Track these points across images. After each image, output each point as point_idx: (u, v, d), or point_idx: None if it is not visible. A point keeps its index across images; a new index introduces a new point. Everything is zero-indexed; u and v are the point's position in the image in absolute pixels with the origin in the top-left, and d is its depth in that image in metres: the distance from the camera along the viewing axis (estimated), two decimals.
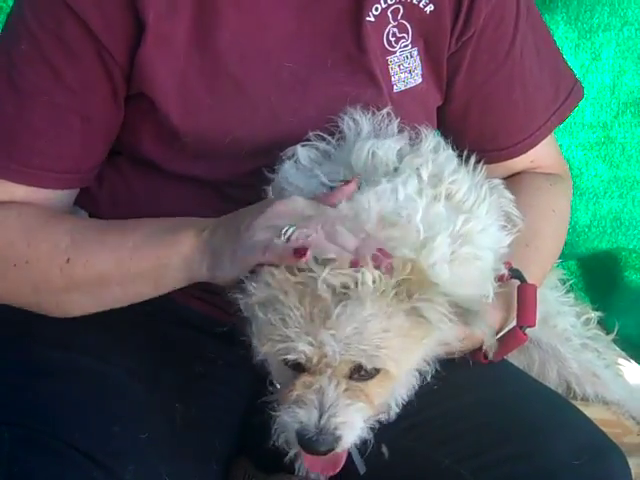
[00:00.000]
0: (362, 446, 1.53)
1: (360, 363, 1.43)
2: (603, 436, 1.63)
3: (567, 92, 1.86)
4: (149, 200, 1.72)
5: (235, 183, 1.67)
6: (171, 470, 1.52)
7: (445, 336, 1.50)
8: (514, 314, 1.65)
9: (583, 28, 2.33)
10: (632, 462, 1.95)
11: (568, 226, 1.90)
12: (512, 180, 1.84)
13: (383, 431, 1.60)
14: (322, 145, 1.60)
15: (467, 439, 1.61)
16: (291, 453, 1.63)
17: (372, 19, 1.66)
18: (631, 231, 2.46)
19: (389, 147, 1.55)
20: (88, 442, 1.48)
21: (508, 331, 1.65)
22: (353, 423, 1.46)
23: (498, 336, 1.66)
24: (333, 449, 1.45)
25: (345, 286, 1.39)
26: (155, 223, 1.61)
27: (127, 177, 1.72)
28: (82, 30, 1.56)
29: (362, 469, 1.58)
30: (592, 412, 2.00)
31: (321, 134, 1.61)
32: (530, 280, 1.66)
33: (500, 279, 1.60)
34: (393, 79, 1.69)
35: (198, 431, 1.63)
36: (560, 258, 2.04)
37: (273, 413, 1.52)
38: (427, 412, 1.65)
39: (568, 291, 2.14)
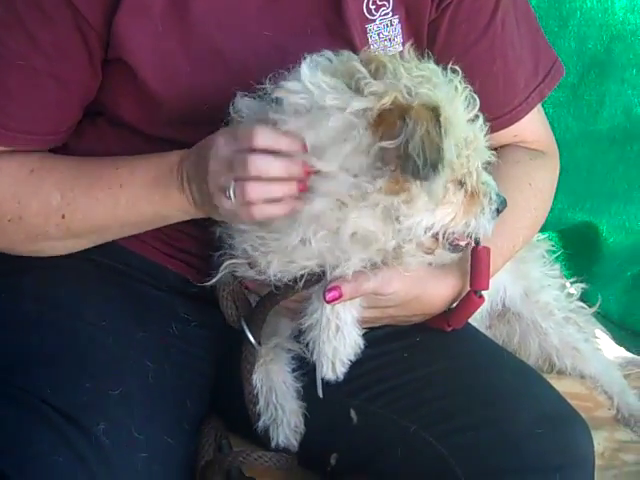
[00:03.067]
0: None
1: None
2: (567, 406, 1.65)
3: (547, 69, 1.86)
4: None
5: None
6: (142, 427, 1.54)
7: None
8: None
9: None
10: (602, 436, 2.02)
11: (549, 202, 1.90)
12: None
13: (352, 397, 1.63)
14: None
15: (434, 406, 1.63)
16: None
17: None
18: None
19: None
20: (60, 397, 1.51)
21: (463, 296, 1.66)
22: None
23: (454, 304, 1.67)
24: None
25: None
26: (138, 177, 1.62)
27: (106, 137, 1.74)
28: None
29: (320, 394, 1.62)
30: (565, 385, 2.05)
31: None
32: (494, 252, 1.66)
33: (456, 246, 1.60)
34: (372, 47, 1.69)
35: (170, 390, 1.65)
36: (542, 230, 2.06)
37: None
38: (396, 380, 1.68)
39: (553, 263, 2.16)
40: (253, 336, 1.63)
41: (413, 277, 1.59)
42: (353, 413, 1.67)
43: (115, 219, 1.65)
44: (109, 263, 1.75)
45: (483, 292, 1.66)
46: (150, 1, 1.60)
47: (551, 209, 1.94)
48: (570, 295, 2.18)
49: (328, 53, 1.53)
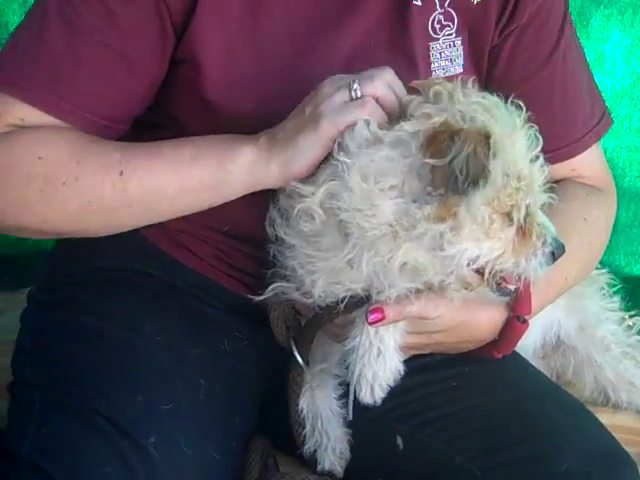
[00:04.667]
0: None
1: None
2: (616, 444, 1.63)
3: (601, 113, 1.86)
4: None
5: None
6: (191, 442, 1.57)
7: None
8: None
9: (637, 37, 2.36)
10: None
11: (605, 239, 1.89)
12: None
13: (399, 423, 1.64)
14: None
15: (481, 438, 1.63)
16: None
17: (419, 3, 1.67)
18: None
19: None
20: (113, 409, 1.55)
21: (507, 323, 1.64)
22: None
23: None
24: None
25: None
26: (208, 137, 1.61)
27: None
28: None
29: (350, 416, 1.64)
30: (620, 419, 2.03)
31: None
32: (545, 281, 1.62)
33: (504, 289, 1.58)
34: (433, 65, 1.70)
35: (220, 407, 1.68)
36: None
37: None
38: (444, 409, 1.69)
39: (612, 296, 2.13)
40: (301, 357, 1.65)
41: (459, 302, 1.57)
42: (399, 440, 1.69)
43: (174, 179, 1.58)
44: (167, 279, 1.78)
45: (532, 319, 1.64)
46: (228, 3, 1.61)
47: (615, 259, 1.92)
48: (629, 328, 2.15)
49: None
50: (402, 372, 1.57)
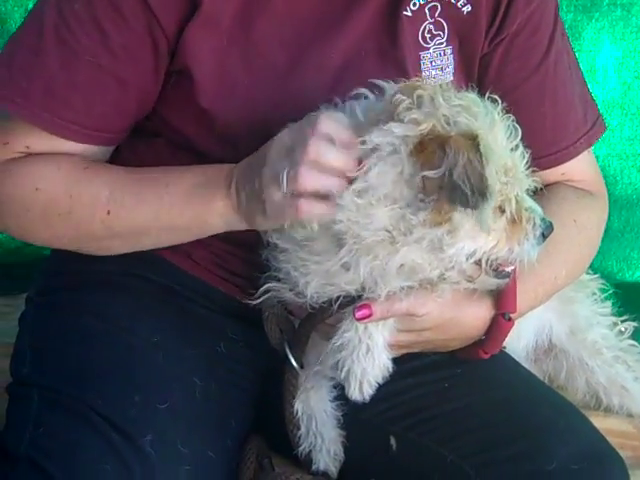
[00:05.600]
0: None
1: None
2: (605, 444, 1.65)
3: (594, 120, 1.88)
4: None
5: None
6: (187, 441, 1.60)
7: None
8: None
9: (628, 49, 2.41)
10: None
11: (596, 243, 1.91)
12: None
13: (392, 424, 1.66)
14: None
15: (473, 437, 1.65)
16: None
17: (409, 13, 1.70)
18: None
19: None
20: (110, 408, 1.58)
21: (492, 322, 1.65)
22: None
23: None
24: None
25: None
26: (186, 179, 1.65)
27: (162, 159, 1.76)
28: (139, 1, 1.61)
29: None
30: (612, 423, 2.05)
31: None
32: (534, 280, 1.66)
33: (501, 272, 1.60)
34: (423, 74, 1.71)
35: (215, 407, 1.70)
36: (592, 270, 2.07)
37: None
38: (436, 409, 1.71)
39: (604, 301, 2.15)
40: (295, 359, 1.68)
41: (448, 299, 1.59)
42: (393, 440, 1.71)
43: (156, 220, 1.66)
44: (164, 282, 1.81)
45: (524, 320, 1.69)
46: (220, 15, 1.64)
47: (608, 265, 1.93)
48: (621, 333, 2.17)
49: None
50: (390, 369, 1.59)
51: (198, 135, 1.72)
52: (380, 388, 1.59)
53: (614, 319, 2.16)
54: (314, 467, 1.74)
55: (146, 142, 1.79)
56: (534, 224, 1.56)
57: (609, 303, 2.16)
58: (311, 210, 1.48)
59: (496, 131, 1.52)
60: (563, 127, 1.84)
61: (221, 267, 1.81)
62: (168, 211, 1.65)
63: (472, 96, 1.54)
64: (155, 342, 1.70)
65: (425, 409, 1.70)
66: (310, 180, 1.46)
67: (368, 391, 1.58)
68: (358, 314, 1.54)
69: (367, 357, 1.57)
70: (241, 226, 1.62)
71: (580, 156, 1.87)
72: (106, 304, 1.76)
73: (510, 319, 1.65)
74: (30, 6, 2.27)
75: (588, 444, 1.63)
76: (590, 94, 1.93)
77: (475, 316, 1.65)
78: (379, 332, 1.57)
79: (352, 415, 1.73)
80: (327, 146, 1.46)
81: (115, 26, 1.63)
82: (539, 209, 1.57)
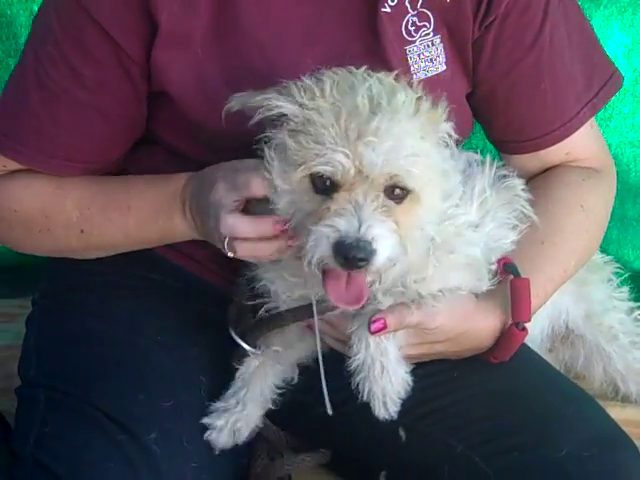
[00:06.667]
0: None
1: (397, 179, 1.45)
2: (617, 430, 1.62)
3: (602, 83, 1.82)
4: None
5: None
6: (192, 438, 1.60)
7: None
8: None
9: (638, 35, 2.38)
10: None
11: (604, 223, 1.87)
12: (545, 174, 1.82)
13: (401, 415, 1.64)
14: None
15: (481, 426, 1.63)
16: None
17: (388, 10, 1.67)
18: None
19: None
20: (115, 407, 1.59)
21: (505, 331, 1.64)
22: (387, 239, 1.45)
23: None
24: (369, 261, 1.44)
25: (380, 97, 1.46)
26: (146, 201, 1.70)
27: (160, 164, 1.78)
28: (100, 34, 1.64)
29: (330, 410, 1.62)
30: (630, 413, 2.01)
31: None
32: (543, 278, 1.64)
33: (494, 274, 1.61)
34: (412, 68, 1.70)
35: None
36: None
37: None
38: (444, 399, 1.69)
39: (620, 285, 2.10)
40: (248, 343, 1.68)
41: (458, 312, 1.60)
42: (402, 431, 1.69)
43: (126, 237, 1.74)
44: (166, 281, 1.82)
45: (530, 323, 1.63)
46: (190, 29, 1.65)
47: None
48: (638, 321, 2.13)
49: None
50: (410, 382, 1.59)
51: (191, 147, 1.74)
52: None
53: (631, 304, 2.11)
54: (209, 431, 1.65)
55: (146, 150, 1.81)
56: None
57: (626, 288, 2.12)
58: (252, 252, 1.55)
59: None
60: (564, 101, 1.79)
61: (221, 265, 1.81)
62: (135, 230, 1.72)
63: None
64: (158, 341, 1.71)
65: (434, 399, 1.68)
66: (246, 250, 1.54)
67: (393, 408, 1.59)
68: (373, 327, 1.55)
69: (383, 376, 1.57)
70: (202, 237, 1.66)
71: (583, 130, 1.82)
72: (109, 305, 1.77)
73: (524, 329, 1.63)
74: (35, 9, 2.28)
75: (599, 430, 1.60)
76: (600, 51, 1.86)
77: (486, 327, 1.64)
78: (391, 346, 1.58)
79: (361, 407, 1.72)
80: (240, 222, 1.52)
81: (84, 61, 1.67)
82: None
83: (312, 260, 1.45)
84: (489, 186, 1.65)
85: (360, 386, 1.59)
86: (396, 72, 1.54)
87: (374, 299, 1.56)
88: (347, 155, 1.43)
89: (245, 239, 1.52)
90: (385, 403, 1.58)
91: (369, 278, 1.50)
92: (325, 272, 1.49)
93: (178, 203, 1.66)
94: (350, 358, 1.58)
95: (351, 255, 1.42)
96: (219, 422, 1.65)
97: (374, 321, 1.55)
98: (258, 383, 1.69)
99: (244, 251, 1.54)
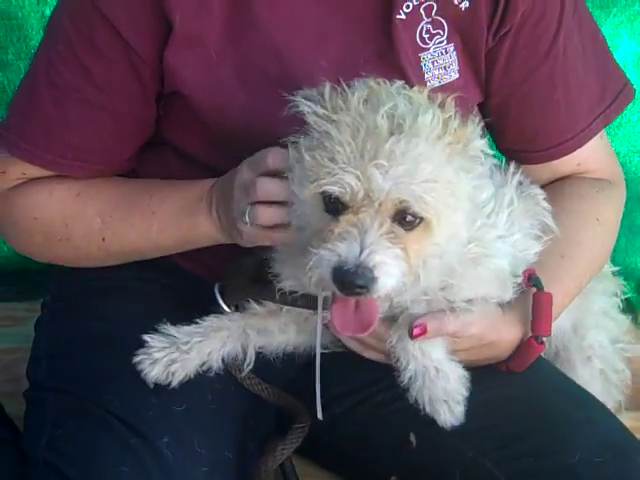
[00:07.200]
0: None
1: (407, 205, 1.39)
2: (627, 434, 1.62)
3: (614, 94, 1.83)
4: None
5: None
6: (204, 442, 1.60)
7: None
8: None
9: None
10: None
11: (616, 233, 1.87)
12: (557, 185, 1.82)
13: (412, 421, 1.65)
14: None
15: (493, 432, 1.63)
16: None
17: (403, 17, 1.67)
18: None
19: None
20: (127, 411, 1.58)
21: (522, 343, 1.64)
22: (391, 267, 1.40)
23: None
24: (368, 289, 1.39)
25: (402, 118, 1.40)
26: (168, 205, 1.71)
27: (170, 167, 1.80)
28: (112, 34, 1.64)
29: (320, 415, 1.62)
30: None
31: None
32: (561, 292, 1.65)
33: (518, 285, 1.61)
34: (426, 76, 1.70)
35: (234, 408, 1.70)
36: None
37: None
38: None
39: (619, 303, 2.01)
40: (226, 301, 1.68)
41: (488, 323, 1.61)
42: (412, 437, 1.69)
43: (148, 243, 1.74)
44: (176, 287, 1.83)
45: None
46: (204, 30, 1.65)
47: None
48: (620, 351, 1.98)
49: None
50: (467, 377, 1.59)
51: (200, 150, 1.75)
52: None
53: (620, 333, 1.99)
54: (142, 356, 1.63)
55: (156, 152, 1.81)
56: None
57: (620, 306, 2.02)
58: (278, 238, 1.55)
59: None
60: (577, 111, 1.79)
61: None
62: (157, 236, 1.73)
63: None
64: None
65: None
66: (267, 215, 1.53)
67: (458, 409, 1.58)
68: (415, 332, 1.55)
69: (440, 376, 1.56)
70: (228, 242, 1.67)
71: (595, 141, 1.82)
72: (120, 309, 1.77)
73: (542, 342, 1.63)
74: (47, 12, 2.30)
75: (609, 435, 1.60)
76: (613, 63, 1.87)
77: (509, 340, 1.65)
78: (438, 349, 1.57)
79: (372, 412, 1.72)
80: (272, 182, 1.51)
81: (95, 61, 1.67)
82: None
83: (311, 282, 1.43)
84: (517, 196, 1.64)
85: (418, 397, 1.58)
86: (431, 88, 1.52)
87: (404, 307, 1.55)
88: (358, 177, 1.38)
89: (269, 206, 1.51)
90: (449, 405, 1.57)
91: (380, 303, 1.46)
92: (334, 294, 1.46)
93: (203, 204, 1.66)
94: (398, 371, 1.58)
95: (347, 281, 1.39)
96: (157, 354, 1.61)
97: (417, 326, 1.55)
98: (218, 341, 1.66)
99: (265, 218, 1.52)
